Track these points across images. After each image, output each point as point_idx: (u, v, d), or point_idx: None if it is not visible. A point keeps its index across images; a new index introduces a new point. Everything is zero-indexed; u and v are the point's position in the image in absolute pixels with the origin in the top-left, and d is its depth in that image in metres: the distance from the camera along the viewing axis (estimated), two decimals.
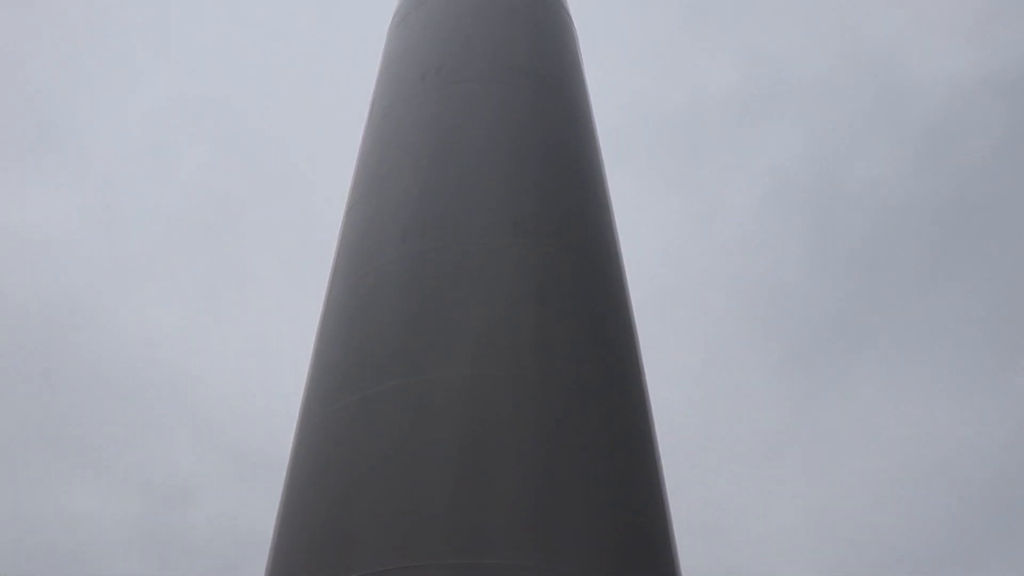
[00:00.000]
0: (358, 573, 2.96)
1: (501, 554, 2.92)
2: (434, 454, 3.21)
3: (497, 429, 3.30)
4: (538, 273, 4.01)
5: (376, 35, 6.50)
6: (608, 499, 3.29)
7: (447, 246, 4.07)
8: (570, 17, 6.36)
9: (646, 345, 4.55)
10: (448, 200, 4.31)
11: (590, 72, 6.26)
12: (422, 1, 6.05)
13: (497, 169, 4.48)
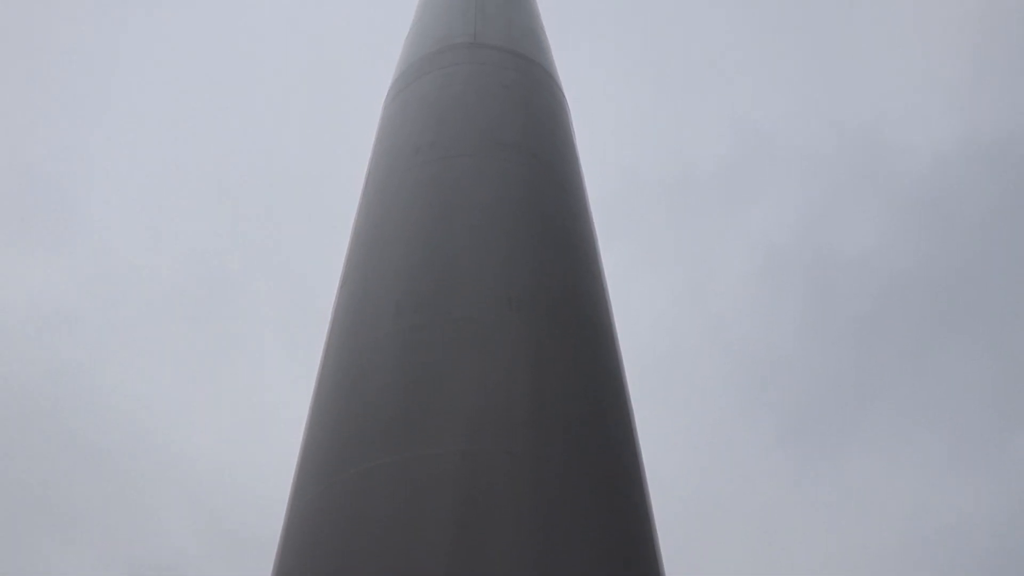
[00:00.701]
0: None
1: None
2: (429, 530, 3.17)
3: (492, 506, 3.26)
4: (532, 348, 4.02)
5: (370, 111, 6.60)
6: (605, 574, 3.25)
7: (441, 321, 4.07)
8: (562, 93, 6.48)
9: (640, 417, 4.54)
10: (442, 275, 4.33)
11: (582, 144, 6.35)
12: (416, 77, 6.17)
13: (491, 244, 4.51)
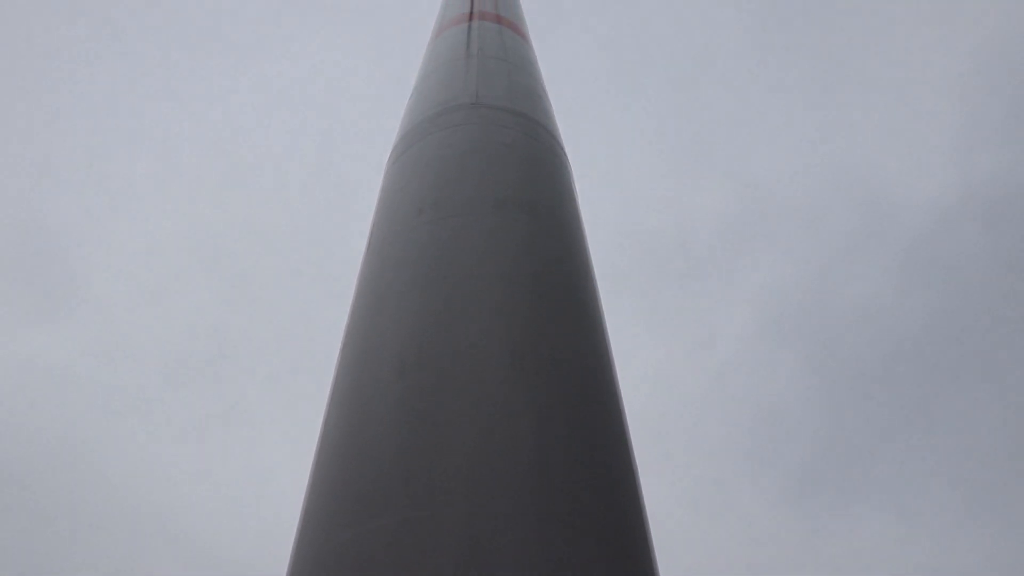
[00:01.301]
0: None
1: None
2: None
3: (496, 567, 3.19)
4: (536, 407, 3.97)
5: (372, 174, 6.64)
6: None
7: (444, 381, 4.04)
8: (564, 152, 6.52)
9: (644, 476, 4.48)
10: (444, 333, 4.31)
11: (584, 203, 6.38)
12: (418, 139, 6.21)
13: (494, 303, 4.50)
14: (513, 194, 5.38)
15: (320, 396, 4.84)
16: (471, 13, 8.85)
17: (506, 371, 4.07)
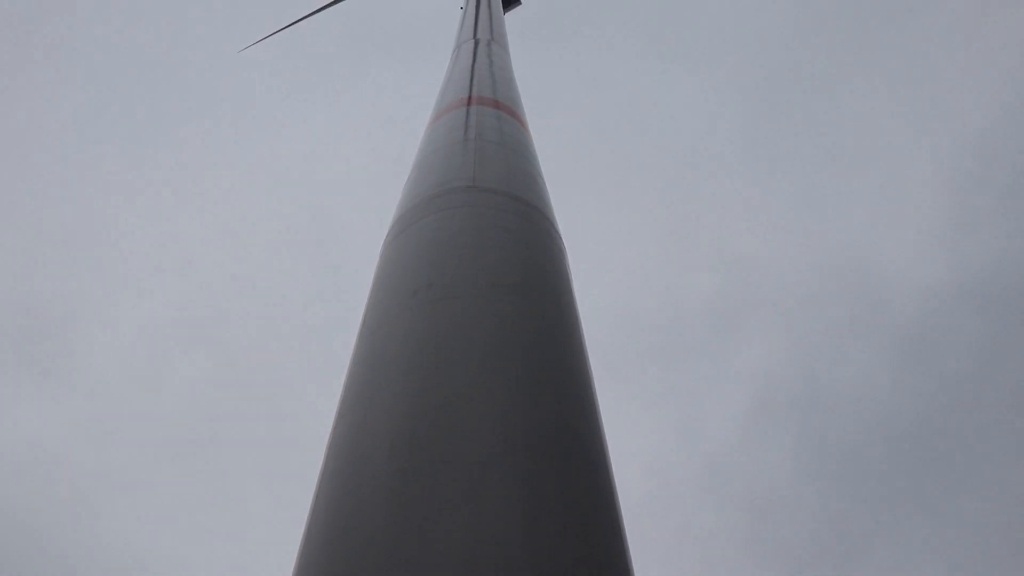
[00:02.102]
0: None
1: None
2: None
3: None
4: (528, 491, 3.94)
5: (369, 252, 6.70)
6: None
7: (435, 462, 4.01)
8: (559, 235, 6.59)
9: (637, 562, 4.43)
10: (437, 416, 4.30)
11: (578, 286, 6.43)
12: (414, 220, 6.28)
13: (487, 385, 4.49)
14: (508, 277, 5.42)
15: (311, 475, 4.80)
16: (469, 98, 9.03)
17: (499, 455, 4.05)
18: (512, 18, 23.39)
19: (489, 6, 16.08)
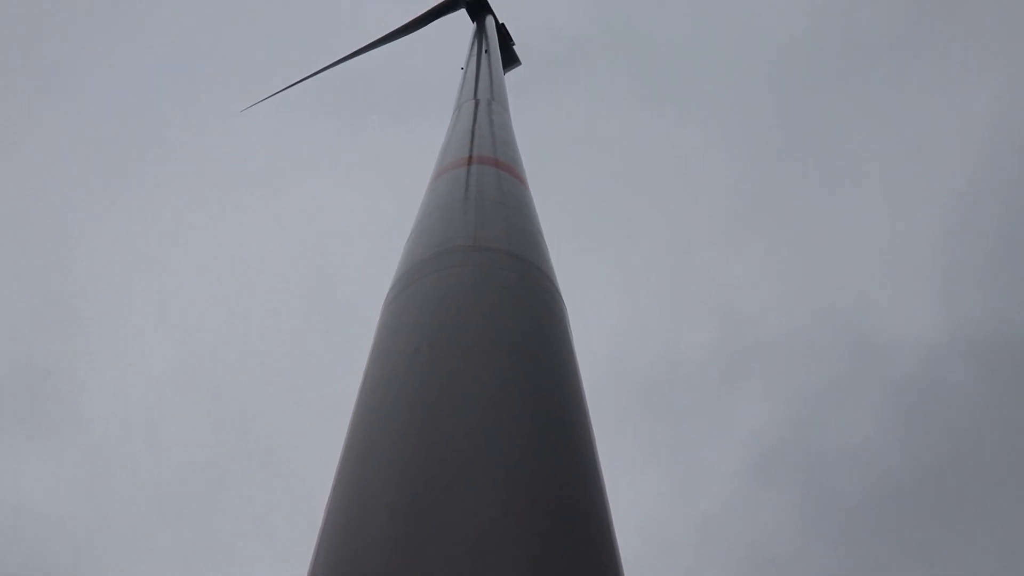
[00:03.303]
0: None
1: None
2: None
3: None
4: (532, 556, 3.89)
5: (370, 311, 6.70)
6: None
7: (436, 525, 3.96)
8: (560, 294, 6.59)
9: None
10: (437, 478, 4.25)
11: (578, 339, 6.41)
12: (416, 278, 6.28)
13: (488, 447, 4.45)
14: (509, 336, 5.41)
15: (311, 537, 4.73)
16: (470, 157, 9.11)
17: (500, 518, 4.00)
18: (512, 77, 23.73)
19: (490, 67, 16.32)
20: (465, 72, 16.33)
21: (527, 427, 4.68)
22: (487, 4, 23.90)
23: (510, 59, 23.76)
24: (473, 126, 11.09)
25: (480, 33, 20.77)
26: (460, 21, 24.42)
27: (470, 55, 18.53)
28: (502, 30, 23.34)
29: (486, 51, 18.15)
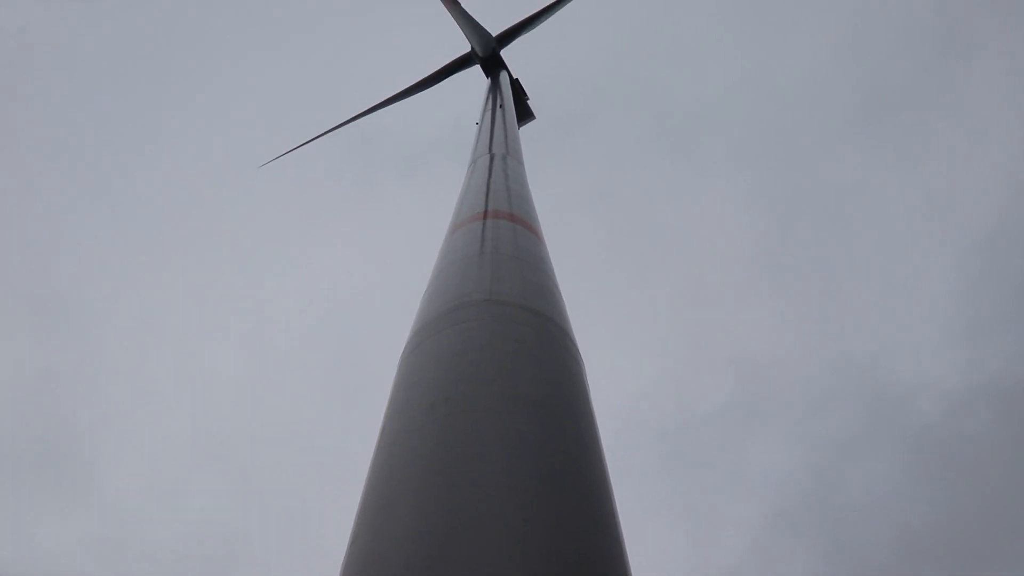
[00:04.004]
0: None
1: None
2: None
3: None
4: None
5: (386, 366, 6.70)
6: None
7: None
8: (576, 348, 6.58)
9: None
10: (454, 536, 4.22)
11: (595, 392, 6.38)
12: (432, 333, 6.29)
13: (506, 505, 4.42)
14: (526, 391, 5.39)
15: None
16: (486, 212, 9.18)
17: None
18: (527, 131, 23.96)
19: (504, 121, 16.50)
20: (480, 127, 16.51)
21: (545, 484, 4.65)
22: (501, 60, 24.25)
23: (524, 113, 24.02)
24: (488, 180, 11.18)
25: (495, 88, 21.04)
26: (474, 76, 24.78)
27: (485, 110, 18.75)
28: (516, 85, 23.65)
29: (501, 106, 18.37)
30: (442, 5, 22.63)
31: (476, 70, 24.89)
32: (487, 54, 24.20)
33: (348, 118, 27.74)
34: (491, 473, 4.63)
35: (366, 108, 27.12)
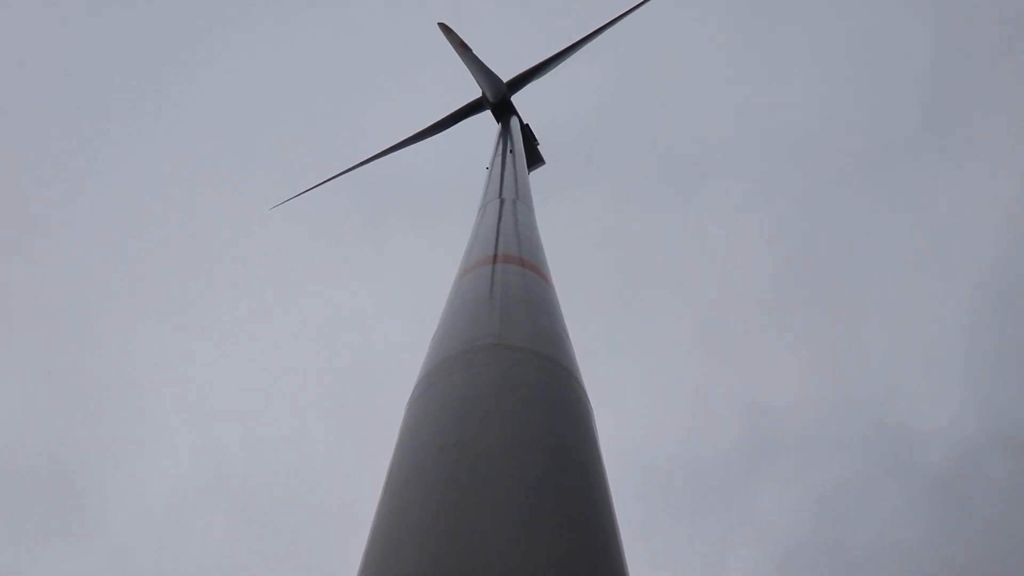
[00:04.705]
0: None
1: None
2: None
3: None
4: None
5: (394, 409, 6.71)
6: None
7: None
8: (585, 393, 6.58)
9: None
10: None
11: (603, 437, 6.37)
12: (441, 377, 6.31)
13: (514, 549, 4.41)
14: (535, 437, 5.39)
15: None
16: (495, 256, 9.23)
17: None
18: (537, 176, 24.13)
19: (514, 166, 16.64)
20: (490, 171, 16.64)
21: (554, 530, 4.63)
22: (512, 105, 24.51)
23: (534, 159, 24.23)
24: (498, 225, 11.26)
25: (505, 133, 21.24)
26: (484, 121, 25.03)
27: (495, 155, 18.92)
28: (526, 130, 23.88)
29: (511, 151, 18.53)
30: (454, 51, 22.93)
31: (486, 115, 25.14)
32: (498, 99, 24.46)
33: (359, 161, 28.00)
34: (500, 518, 4.62)
35: (378, 152, 27.37)
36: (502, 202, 13.00)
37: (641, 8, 25.50)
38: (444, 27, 22.06)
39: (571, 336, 7.77)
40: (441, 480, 5.04)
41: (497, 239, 10.35)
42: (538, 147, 24.74)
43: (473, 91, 24.96)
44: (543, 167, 25.09)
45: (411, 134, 26.52)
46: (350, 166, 28.30)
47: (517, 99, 24.96)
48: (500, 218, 11.76)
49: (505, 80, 24.51)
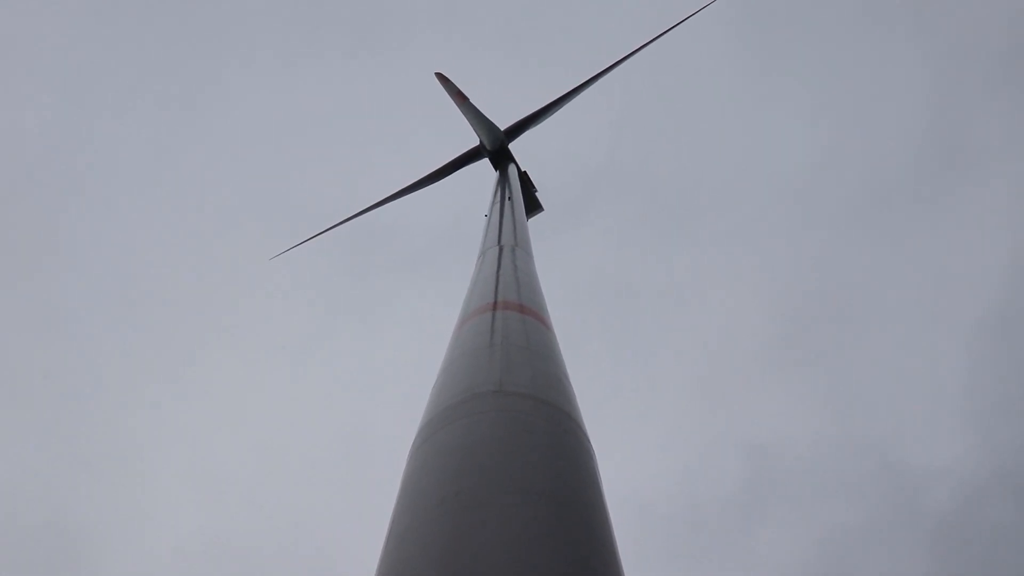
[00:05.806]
0: None
1: None
2: None
3: None
4: None
5: (395, 459, 6.67)
6: None
7: None
8: (588, 438, 6.54)
9: None
10: None
11: (606, 482, 6.31)
12: (442, 425, 6.28)
13: None
14: (538, 484, 5.35)
15: None
16: (495, 303, 9.23)
17: None
18: (535, 223, 24.22)
19: (513, 213, 16.70)
20: (489, 219, 16.70)
21: None
22: (510, 153, 24.66)
23: (533, 205, 24.32)
24: (498, 272, 11.28)
25: (503, 181, 21.34)
26: (483, 169, 25.17)
27: (493, 202, 18.99)
28: (524, 177, 24.00)
29: (509, 198, 18.61)
30: (452, 101, 23.14)
31: (484, 163, 25.29)
32: (496, 147, 24.63)
33: (359, 211, 28.13)
34: (502, 569, 4.57)
35: (377, 201, 27.52)
36: (501, 249, 13.03)
37: (638, 52, 25.75)
38: (442, 77, 22.30)
39: (572, 381, 7.74)
40: (442, 531, 4.99)
41: (497, 286, 10.36)
42: (536, 194, 24.85)
43: (471, 139, 25.15)
44: (542, 214, 25.18)
45: (410, 183, 26.67)
46: (349, 215, 28.43)
47: (515, 146, 25.13)
48: (499, 265, 11.78)
49: (503, 128, 24.70)
